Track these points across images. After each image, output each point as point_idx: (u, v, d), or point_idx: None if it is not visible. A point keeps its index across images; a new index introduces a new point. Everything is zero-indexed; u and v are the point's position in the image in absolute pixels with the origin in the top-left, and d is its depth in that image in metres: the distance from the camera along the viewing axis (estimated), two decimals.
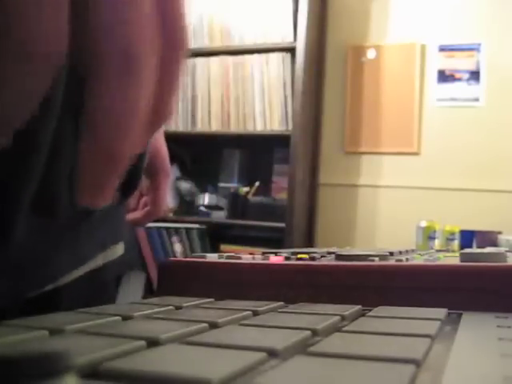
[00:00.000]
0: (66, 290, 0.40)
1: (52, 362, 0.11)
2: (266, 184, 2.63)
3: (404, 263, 0.37)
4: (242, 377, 0.16)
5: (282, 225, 2.44)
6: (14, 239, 0.29)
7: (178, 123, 2.60)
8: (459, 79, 2.51)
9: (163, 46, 0.20)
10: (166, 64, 0.20)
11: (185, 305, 0.31)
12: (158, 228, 2.36)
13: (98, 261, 0.44)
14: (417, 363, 0.17)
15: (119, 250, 0.49)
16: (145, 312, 0.27)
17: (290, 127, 2.45)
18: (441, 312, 0.28)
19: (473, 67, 2.49)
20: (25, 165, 0.27)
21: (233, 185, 2.67)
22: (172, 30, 0.21)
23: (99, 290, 0.48)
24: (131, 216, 0.59)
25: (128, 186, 0.45)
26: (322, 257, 0.43)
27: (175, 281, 0.41)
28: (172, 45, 0.21)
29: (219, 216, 2.59)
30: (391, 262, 0.38)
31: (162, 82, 0.21)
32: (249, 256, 0.43)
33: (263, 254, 0.46)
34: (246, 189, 2.62)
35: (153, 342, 0.20)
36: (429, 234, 2.21)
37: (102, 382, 0.15)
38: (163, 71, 0.20)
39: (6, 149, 0.20)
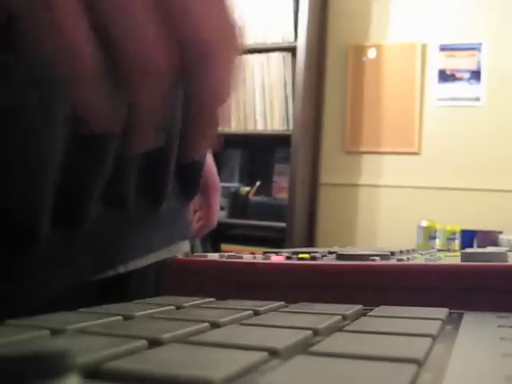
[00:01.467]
0: (135, 277, 0.43)
1: (54, 361, 0.11)
2: (267, 184, 2.63)
3: (405, 263, 0.37)
4: (244, 376, 0.16)
5: (283, 224, 2.44)
6: (85, 226, 0.35)
7: None
8: (460, 79, 2.51)
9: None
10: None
11: (186, 304, 0.31)
12: None
13: (166, 254, 0.47)
14: (418, 363, 0.17)
15: (185, 246, 0.53)
16: (146, 312, 0.27)
17: (291, 127, 2.45)
18: (442, 312, 0.28)
19: (473, 67, 2.49)
20: (98, 158, 0.34)
21: (233, 184, 2.67)
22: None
23: (164, 282, 0.52)
24: None
25: (189, 191, 0.51)
26: (323, 256, 0.43)
27: (176, 280, 0.41)
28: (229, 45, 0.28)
29: (220, 216, 2.59)
30: (392, 261, 0.38)
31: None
32: (250, 256, 0.43)
33: (264, 253, 0.46)
34: (246, 188, 2.63)
35: (154, 342, 0.20)
36: (429, 234, 2.21)
37: (103, 381, 0.15)
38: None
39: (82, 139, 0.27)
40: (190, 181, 0.50)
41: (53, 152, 0.32)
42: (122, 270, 0.42)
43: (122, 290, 0.42)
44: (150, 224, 0.45)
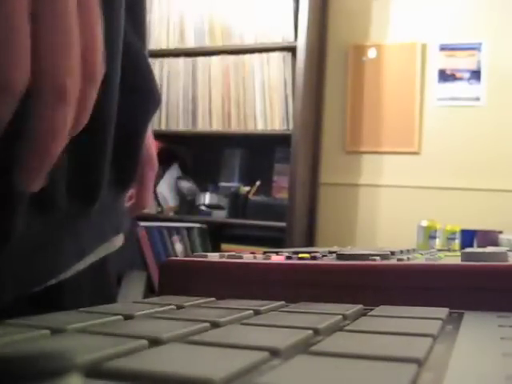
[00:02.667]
0: (68, 287, 0.40)
1: (55, 361, 0.11)
2: (267, 183, 2.63)
3: (405, 263, 0.37)
4: (244, 376, 0.16)
5: (283, 224, 2.44)
6: (10, 239, 0.32)
7: (178, 123, 2.60)
8: (460, 79, 2.51)
9: (82, 78, 0.27)
10: (83, 92, 0.27)
11: (186, 304, 0.31)
12: (159, 227, 2.36)
13: (100, 253, 0.45)
14: (419, 362, 0.17)
15: (119, 241, 0.49)
16: (146, 311, 0.27)
17: (291, 127, 2.45)
18: (442, 311, 0.28)
19: (473, 67, 2.49)
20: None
21: (234, 184, 2.67)
22: (90, 66, 0.27)
23: (101, 287, 0.49)
24: None
25: (124, 179, 0.47)
26: (323, 256, 0.43)
27: (176, 280, 0.41)
28: (88, 78, 0.27)
29: (220, 215, 2.59)
30: (392, 261, 0.38)
31: (80, 105, 0.27)
32: (250, 255, 0.43)
33: (264, 253, 0.46)
34: (246, 188, 2.62)
35: (155, 342, 0.20)
36: (429, 234, 2.21)
37: (104, 381, 0.15)
38: (81, 97, 0.27)
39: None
40: (126, 169, 0.46)
41: None
42: (53, 282, 0.38)
43: (54, 299, 0.39)
44: (80, 226, 0.40)
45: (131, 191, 0.59)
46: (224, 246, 2.50)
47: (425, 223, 2.23)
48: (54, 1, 0.25)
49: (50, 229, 0.36)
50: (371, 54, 2.61)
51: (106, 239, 0.46)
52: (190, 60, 2.62)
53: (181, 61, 2.63)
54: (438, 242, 2.20)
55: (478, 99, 2.48)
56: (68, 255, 0.39)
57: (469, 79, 2.50)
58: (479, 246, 1.81)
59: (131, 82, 0.43)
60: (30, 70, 0.24)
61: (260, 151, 2.67)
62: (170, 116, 2.61)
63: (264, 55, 2.51)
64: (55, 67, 0.25)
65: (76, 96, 0.26)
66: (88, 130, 0.29)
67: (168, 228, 2.43)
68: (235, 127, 2.55)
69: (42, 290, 0.38)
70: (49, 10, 0.25)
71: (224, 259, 0.41)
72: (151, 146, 0.58)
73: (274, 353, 0.18)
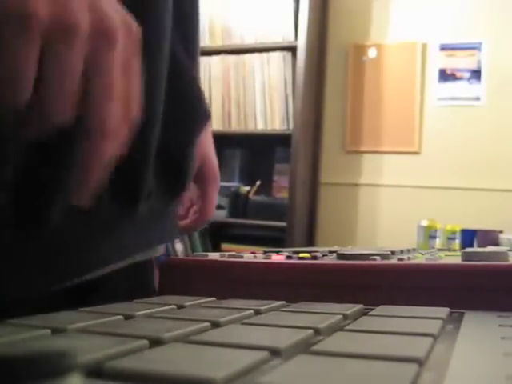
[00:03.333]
0: (107, 282, 0.42)
1: (56, 361, 0.11)
2: (267, 183, 2.63)
3: (406, 262, 0.37)
4: (245, 376, 0.16)
5: (283, 224, 2.44)
6: (47, 228, 0.36)
7: None
8: (460, 78, 2.51)
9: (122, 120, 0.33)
10: (123, 130, 0.33)
11: (187, 304, 0.31)
12: None
13: (138, 258, 0.46)
14: (419, 362, 0.17)
15: (160, 249, 0.51)
16: (147, 311, 0.27)
17: (291, 126, 2.45)
18: (443, 311, 0.28)
19: (474, 66, 2.49)
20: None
21: (234, 184, 2.67)
22: (128, 111, 0.33)
23: (140, 284, 0.50)
24: (181, 224, 0.61)
25: (174, 189, 0.49)
26: (323, 256, 0.43)
27: (177, 280, 0.41)
28: (127, 119, 0.33)
29: (220, 215, 2.59)
30: (393, 261, 0.38)
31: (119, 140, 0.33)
32: (250, 255, 0.43)
33: (265, 253, 0.46)
34: (247, 188, 2.62)
35: (156, 341, 0.20)
36: (430, 233, 2.21)
37: (105, 381, 0.15)
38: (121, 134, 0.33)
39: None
40: (177, 178, 0.49)
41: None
42: (93, 276, 0.41)
43: (91, 294, 0.41)
44: (124, 228, 0.43)
45: (196, 207, 0.61)
46: (224, 246, 2.50)
47: (425, 223, 2.23)
48: (102, 60, 0.31)
49: (91, 227, 0.39)
50: (371, 53, 2.61)
51: (151, 246, 0.48)
52: None
53: None
54: (438, 242, 2.20)
55: (478, 99, 2.48)
56: (107, 254, 0.42)
57: (469, 79, 2.50)
58: (479, 246, 1.80)
59: (179, 100, 0.48)
60: (81, 113, 0.31)
61: (260, 151, 2.67)
62: None
63: (264, 55, 2.51)
64: (100, 112, 0.31)
65: (117, 137, 0.32)
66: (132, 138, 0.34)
67: None
68: (235, 127, 2.55)
69: (77, 286, 0.40)
70: (98, 69, 0.31)
71: (224, 259, 0.41)
72: (214, 162, 0.61)
73: (275, 352, 0.18)
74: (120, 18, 0.32)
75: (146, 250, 0.46)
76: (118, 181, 0.37)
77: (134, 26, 0.33)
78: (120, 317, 0.26)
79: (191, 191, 0.60)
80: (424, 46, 2.54)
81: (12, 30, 0.28)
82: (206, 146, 0.60)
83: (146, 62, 0.35)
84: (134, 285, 0.48)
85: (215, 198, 0.60)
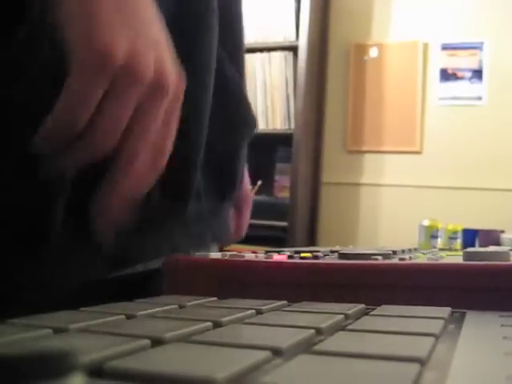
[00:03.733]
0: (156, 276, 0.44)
1: (57, 361, 0.11)
2: (269, 183, 2.63)
3: (407, 262, 0.37)
4: (247, 376, 0.16)
5: (285, 224, 2.44)
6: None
7: None
8: (462, 78, 2.51)
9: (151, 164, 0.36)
10: (150, 169, 0.36)
11: (188, 304, 0.31)
12: None
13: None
14: (421, 362, 0.17)
15: (213, 248, 0.54)
16: (148, 311, 0.27)
17: (293, 126, 2.45)
18: (444, 311, 0.28)
19: (475, 66, 2.49)
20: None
21: None
22: (158, 159, 0.36)
23: None
24: None
25: (222, 193, 0.52)
26: (325, 255, 0.43)
27: (178, 279, 0.41)
28: (155, 167, 0.37)
29: None
30: (394, 260, 0.38)
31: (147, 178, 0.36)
32: (252, 255, 0.43)
33: (266, 252, 0.46)
34: None
35: (157, 341, 0.20)
36: (431, 233, 2.21)
37: (106, 380, 0.15)
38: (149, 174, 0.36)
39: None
40: (227, 178, 0.52)
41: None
42: (139, 268, 0.43)
43: (139, 287, 0.43)
44: (174, 224, 0.45)
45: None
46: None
47: (426, 222, 2.22)
48: (152, 109, 0.34)
49: (143, 221, 0.40)
50: (373, 53, 2.61)
51: (203, 244, 0.50)
52: None
53: None
54: (439, 242, 2.20)
55: (479, 98, 2.47)
56: (158, 247, 0.44)
57: (470, 78, 2.50)
58: (481, 246, 1.80)
59: (228, 110, 0.52)
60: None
61: (261, 150, 2.67)
62: None
63: (265, 54, 2.51)
64: (131, 152, 0.34)
65: (140, 176, 0.35)
66: (180, 137, 0.37)
67: None
68: None
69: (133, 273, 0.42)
70: (146, 115, 0.34)
71: (226, 258, 0.41)
72: (247, 184, 0.66)
73: (276, 352, 0.18)
74: (174, 70, 0.35)
75: (197, 246, 0.48)
76: (167, 180, 0.39)
77: (182, 78, 0.36)
78: (122, 316, 0.26)
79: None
80: (425, 46, 2.54)
81: (90, 65, 0.31)
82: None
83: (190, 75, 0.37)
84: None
85: (248, 217, 0.65)
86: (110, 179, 0.34)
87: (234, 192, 0.55)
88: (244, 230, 0.66)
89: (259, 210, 2.52)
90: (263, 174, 2.64)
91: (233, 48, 0.53)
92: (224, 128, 0.51)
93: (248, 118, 0.57)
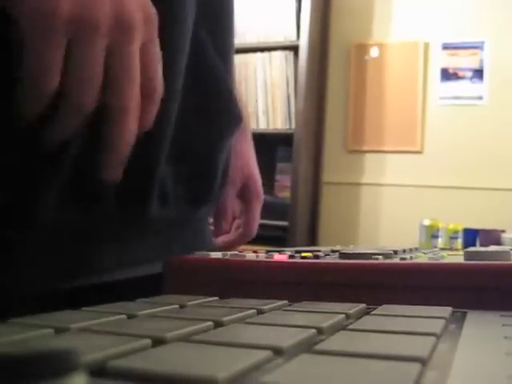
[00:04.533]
0: (120, 290, 0.41)
1: (60, 360, 0.11)
2: (269, 182, 2.63)
3: (408, 262, 0.37)
4: (248, 375, 0.16)
5: (285, 223, 2.44)
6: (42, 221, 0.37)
7: None
8: (462, 77, 2.51)
9: (143, 99, 0.36)
10: (144, 109, 0.36)
11: (189, 303, 0.31)
12: None
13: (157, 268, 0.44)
14: (422, 361, 0.17)
15: None
16: (149, 311, 0.27)
17: (293, 126, 2.45)
18: (445, 310, 0.28)
19: (476, 65, 2.49)
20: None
21: None
22: (149, 90, 0.36)
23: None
24: (224, 238, 0.62)
25: (198, 198, 0.48)
26: (326, 255, 0.43)
27: (179, 279, 0.41)
28: (148, 98, 0.36)
29: None
30: (395, 260, 0.38)
31: (142, 118, 0.36)
32: (253, 254, 0.43)
33: (267, 252, 0.46)
34: None
35: (158, 341, 0.20)
36: (432, 233, 2.21)
37: (107, 380, 0.15)
38: (142, 113, 0.36)
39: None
40: (199, 187, 0.48)
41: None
42: (95, 280, 0.41)
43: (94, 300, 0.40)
44: (133, 233, 0.43)
45: (238, 221, 0.61)
46: None
47: (427, 222, 2.22)
48: (123, 50, 0.34)
49: (98, 228, 0.39)
50: (373, 52, 2.61)
51: (168, 255, 0.45)
52: None
53: None
54: (440, 241, 2.20)
55: (480, 98, 2.47)
56: (113, 257, 0.41)
57: (471, 78, 2.50)
58: (482, 245, 1.80)
59: (207, 104, 0.48)
60: (103, 95, 0.34)
61: (262, 150, 2.66)
62: None
63: (266, 54, 2.51)
64: (122, 93, 0.34)
65: (138, 113, 0.35)
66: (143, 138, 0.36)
67: None
68: None
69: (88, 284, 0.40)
70: (119, 59, 0.34)
71: (227, 258, 0.41)
72: (258, 179, 0.63)
73: (278, 352, 0.18)
74: (139, 6, 0.35)
75: (162, 257, 0.44)
76: (126, 183, 0.37)
77: (152, 12, 0.36)
78: (123, 316, 0.26)
79: (235, 205, 0.61)
80: (426, 45, 2.54)
81: (38, 28, 0.31)
82: (249, 161, 0.64)
83: (163, 38, 0.37)
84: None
85: (259, 215, 0.62)
86: (113, 122, 0.34)
87: (212, 196, 0.50)
88: (254, 228, 0.62)
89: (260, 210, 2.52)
90: (264, 173, 2.63)
91: (222, 45, 0.51)
92: (201, 119, 0.47)
93: (231, 110, 0.52)
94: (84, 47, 0.32)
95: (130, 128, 0.35)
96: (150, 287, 0.44)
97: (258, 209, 0.62)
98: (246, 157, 0.61)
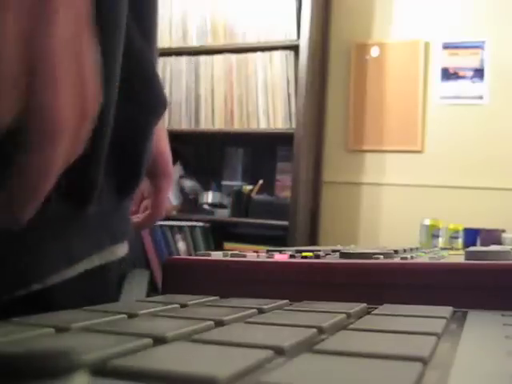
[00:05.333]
0: (59, 290, 0.39)
1: (60, 360, 0.11)
2: (270, 182, 2.63)
3: (409, 261, 0.37)
4: (249, 375, 0.16)
5: (286, 223, 2.44)
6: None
7: (181, 121, 2.60)
8: (463, 77, 2.51)
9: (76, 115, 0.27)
10: (77, 128, 0.27)
11: (190, 303, 0.31)
12: (162, 226, 2.36)
13: (95, 261, 0.43)
14: (423, 361, 0.17)
15: (120, 250, 0.48)
16: (150, 310, 0.27)
17: (294, 125, 2.45)
18: (446, 310, 0.28)
19: (477, 65, 2.49)
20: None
21: (236, 183, 2.67)
22: (84, 102, 0.27)
23: (99, 290, 0.47)
24: (133, 220, 0.58)
25: (126, 187, 0.45)
26: (326, 255, 0.43)
27: (179, 279, 0.41)
28: (82, 114, 0.27)
29: (223, 214, 2.59)
30: (396, 260, 0.38)
31: (73, 140, 0.27)
32: (253, 254, 0.43)
33: (268, 252, 0.46)
34: (249, 187, 2.62)
35: (159, 340, 0.20)
36: (432, 232, 2.21)
37: (109, 379, 0.15)
38: (75, 133, 0.27)
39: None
40: (127, 177, 0.44)
41: None
42: (37, 287, 0.37)
43: (43, 303, 0.36)
44: (71, 231, 0.39)
45: (146, 201, 0.58)
46: (227, 245, 2.50)
47: (428, 222, 2.22)
48: (45, 41, 0.25)
49: (35, 230, 0.33)
50: (374, 52, 2.61)
51: (101, 248, 0.44)
52: (192, 59, 2.62)
53: (183, 60, 2.63)
54: (440, 241, 2.20)
55: (481, 98, 2.47)
56: (54, 260, 0.38)
57: (472, 77, 2.49)
58: (482, 245, 1.80)
59: (133, 88, 0.42)
60: (23, 109, 0.24)
61: (263, 150, 2.67)
62: (173, 115, 2.61)
63: (267, 54, 2.51)
64: (46, 107, 0.25)
65: (69, 133, 0.26)
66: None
67: (171, 227, 2.43)
68: (238, 126, 2.55)
69: (34, 292, 0.36)
70: (40, 51, 0.25)
71: (228, 258, 0.41)
72: (168, 155, 0.57)
73: (278, 351, 0.18)
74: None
75: (96, 252, 0.43)
76: (66, 177, 0.31)
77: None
78: (123, 315, 0.26)
79: (143, 185, 0.56)
80: (427, 45, 2.54)
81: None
82: (159, 138, 0.56)
83: (98, 35, 0.28)
84: (90, 292, 0.44)
85: (169, 193, 0.57)
86: (34, 150, 0.25)
87: (135, 188, 0.46)
88: (163, 210, 0.57)
89: (260, 209, 2.52)
90: (264, 173, 2.64)
91: (146, 23, 0.45)
92: (128, 106, 0.41)
93: (156, 96, 0.47)
94: None
95: (58, 159, 0.26)
96: (90, 282, 0.42)
97: (167, 188, 0.58)
98: (157, 133, 0.53)
